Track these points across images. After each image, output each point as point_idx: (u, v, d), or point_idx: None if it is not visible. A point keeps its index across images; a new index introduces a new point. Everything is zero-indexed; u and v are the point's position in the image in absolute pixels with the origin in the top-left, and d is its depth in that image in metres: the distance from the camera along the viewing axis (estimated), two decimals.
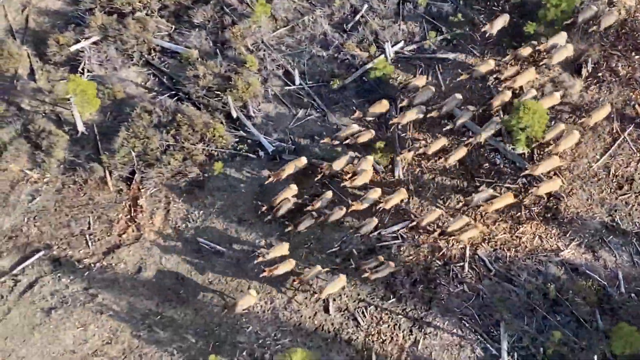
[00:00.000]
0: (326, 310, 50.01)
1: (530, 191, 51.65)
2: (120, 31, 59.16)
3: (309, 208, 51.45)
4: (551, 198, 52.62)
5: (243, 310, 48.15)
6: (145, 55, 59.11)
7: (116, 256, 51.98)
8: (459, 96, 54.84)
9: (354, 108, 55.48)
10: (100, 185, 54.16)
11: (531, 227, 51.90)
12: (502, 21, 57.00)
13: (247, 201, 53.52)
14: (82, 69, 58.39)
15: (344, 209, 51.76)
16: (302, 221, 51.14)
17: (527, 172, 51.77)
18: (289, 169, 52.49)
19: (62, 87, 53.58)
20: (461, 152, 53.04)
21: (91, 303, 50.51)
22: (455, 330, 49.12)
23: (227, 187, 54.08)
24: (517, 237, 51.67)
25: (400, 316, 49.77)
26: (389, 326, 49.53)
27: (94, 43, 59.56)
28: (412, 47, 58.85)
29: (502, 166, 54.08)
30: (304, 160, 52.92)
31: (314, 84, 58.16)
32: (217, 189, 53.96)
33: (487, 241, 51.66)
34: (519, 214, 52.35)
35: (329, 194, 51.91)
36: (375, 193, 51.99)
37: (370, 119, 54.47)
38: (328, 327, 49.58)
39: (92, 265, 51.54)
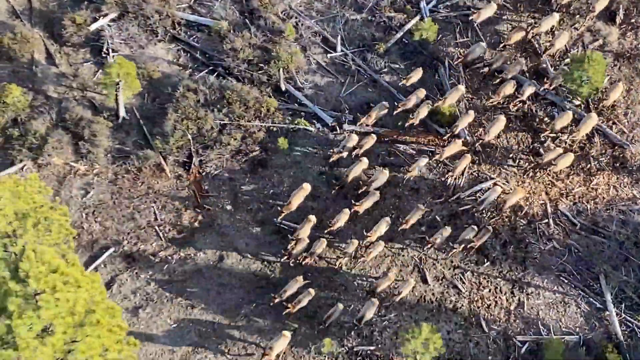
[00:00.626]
0: (424, 280, 48.60)
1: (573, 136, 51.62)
2: (141, 6, 55.21)
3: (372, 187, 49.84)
4: (616, 147, 52.74)
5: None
6: (171, 30, 55.35)
7: (193, 246, 48.74)
8: (483, 44, 54.17)
9: (402, 77, 53.43)
10: (157, 173, 50.69)
11: (604, 178, 52.06)
12: None
13: (315, 176, 51.25)
14: (107, 49, 53.99)
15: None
16: (368, 199, 49.52)
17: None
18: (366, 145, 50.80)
19: (109, 70, 49.35)
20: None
21: (179, 298, 47.45)
22: (556, 288, 48.85)
23: (291, 164, 51.75)
24: (592, 188, 51.69)
25: (498, 279, 49.07)
26: (490, 290, 48.77)
27: (113, 20, 55.23)
28: (447, 4, 57.37)
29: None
30: (374, 137, 51.13)
31: (355, 49, 56.10)
32: (281, 167, 51.56)
33: (565, 196, 51.36)
34: (589, 165, 52.28)
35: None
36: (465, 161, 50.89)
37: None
38: (430, 298, 48.27)
39: (170, 257, 48.35)
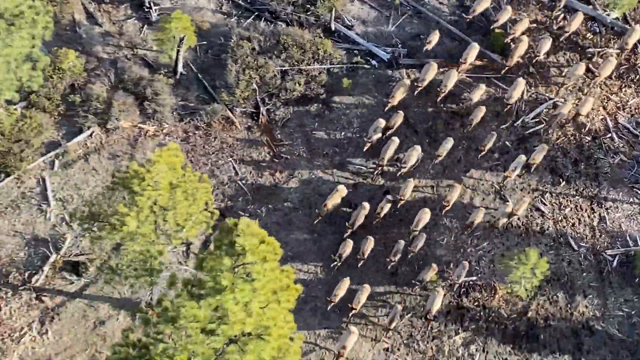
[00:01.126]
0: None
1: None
2: None
3: None
4: None
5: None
6: None
7: (279, 197, 48.55)
8: None
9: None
10: (227, 126, 50.02)
11: None
12: None
13: (380, 113, 51.39)
14: (149, 4, 52.44)
15: (483, 108, 50.93)
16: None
17: None
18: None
19: (167, 25, 48.07)
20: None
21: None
22: (632, 200, 50.49)
23: (356, 104, 51.69)
24: None
25: (576, 197, 50.45)
26: (571, 209, 50.10)
27: None
28: None
29: (602, 33, 54.77)
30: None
31: None
32: (347, 107, 51.40)
33: (622, 108, 52.81)
34: (638, 76, 53.75)
35: None
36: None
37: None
38: (517, 223, 49.33)
39: (259, 211, 47.86)
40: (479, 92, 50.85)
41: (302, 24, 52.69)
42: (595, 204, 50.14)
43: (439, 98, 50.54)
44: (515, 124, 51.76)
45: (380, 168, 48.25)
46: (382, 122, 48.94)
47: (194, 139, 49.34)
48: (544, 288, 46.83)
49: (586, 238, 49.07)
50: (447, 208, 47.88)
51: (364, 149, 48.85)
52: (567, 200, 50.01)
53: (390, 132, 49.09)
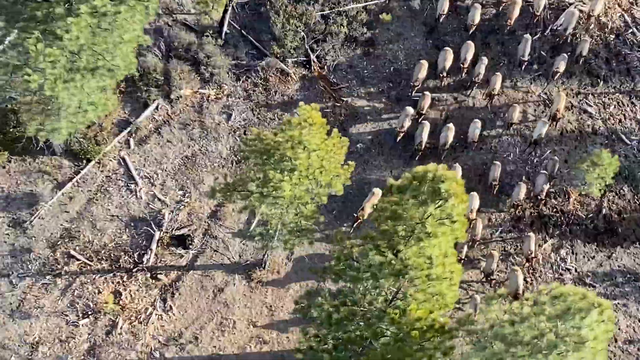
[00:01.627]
0: (554, 120, 51.96)
1: None
2: None
3: None
4: None
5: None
6: None
7: (349, 139, 49.71)
8: None
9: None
10: (282, 79, 50.81)
11: None
12: None
13: (422, 44, 53.04)
14: None
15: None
16: None
17: None
18: None
19: None
20: None
21: None
22: None
23: (397, 37, 53.08)
24: None
25: (616, 94, 53.33)
26: (614, 107, 53.02)
27: None
28: None
29: None
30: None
31: None
32: (389, 42, 52.86)
33: (635, 3, 55.78)
34: None
35: None
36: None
37: None
38: (571, 128, 52.07)
39: None
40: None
41: None
42: (634, 98, 52.86)
43: (470, 31, 52.17)
44: (545, 34, 53.63)
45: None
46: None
47: (255, 96, 49.80)
48: (610, 185, 49.21)
49: (635, 131, 51.78)
50: (513, 126, 49.81)
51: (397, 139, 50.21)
52: (608, 99, 52.64)
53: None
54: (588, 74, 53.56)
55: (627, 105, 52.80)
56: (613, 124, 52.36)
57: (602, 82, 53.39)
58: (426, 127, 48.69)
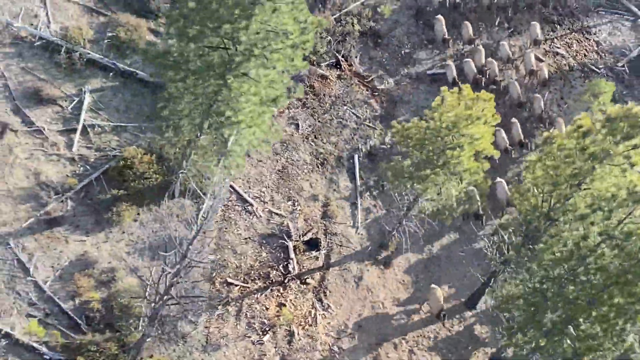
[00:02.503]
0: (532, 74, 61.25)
1: None
2: None
3: None
4: None
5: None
6: None
7: (397, 116, 56.38)
8: None
9: None
10: (323, 82, 56.14)
11: None
12: None
13: (417, 25, 60.25)
14: None
15: None
16: None
17: None
18: None
19: None
20: None
21: None
22: (604, 21, 64.32)
23: (395, 25, 59.92)
24: None
25: (573, 34, 63.28)
26: (576, 44, 62.96)
27: None
28: None
29: None
30: None
31: None
32: (389, 30, 59.59)
33: None
34: None
35: None
36: None
37: None
38: (554, 69, 61.41)
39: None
40: None
41: None
42: (586, 33, 62.73)
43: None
44: None
45: None
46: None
47: (309, 103, 54.61)
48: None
49: (598, 60, 61.69)
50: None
51: None
52: (568, 39, 62.26)
53: None
54: (546, 22, 62.18)
55: (584, 41, 62.13)
56: (582, 59, 61.43)
57: (558, 26, 62.18)
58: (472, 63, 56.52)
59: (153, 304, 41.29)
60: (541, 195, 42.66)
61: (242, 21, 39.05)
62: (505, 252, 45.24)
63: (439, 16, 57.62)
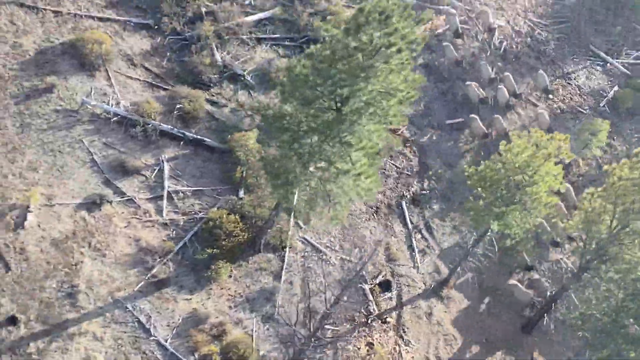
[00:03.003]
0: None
1: None
2: None
3: None
4: None
5: None
6: None
7: None
8: None
9: None
10: None
11: None
12: None
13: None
14: None
15: None
16: None
17: None
18: None
19: None
20: None
21: None
22: None
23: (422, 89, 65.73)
24: None
25: (558, 79, 70.67)
26: (562, 90, 70.30)
27: None
28: None
29: None
30: None
31: None
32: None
33: (526, 10, 73.37)
34: None
35: None
36: None
37: None
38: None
39: None
40: None
41: None
42: (569, 79, 70.01)
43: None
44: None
45: None
46: None
47: None
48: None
49: (583, 102, 68.94)
50: None
51: None
52: (557, 85, 69.27)
53: None
54: (531, 70, 69.18)
55: (567, 86, 69.37)
56: (569, 102, 68.57)
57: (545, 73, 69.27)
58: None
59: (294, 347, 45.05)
60: (607, 220, 48.73)
61: (359, 84, 43.48)
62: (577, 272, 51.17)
63: (472, 83, 63.05)
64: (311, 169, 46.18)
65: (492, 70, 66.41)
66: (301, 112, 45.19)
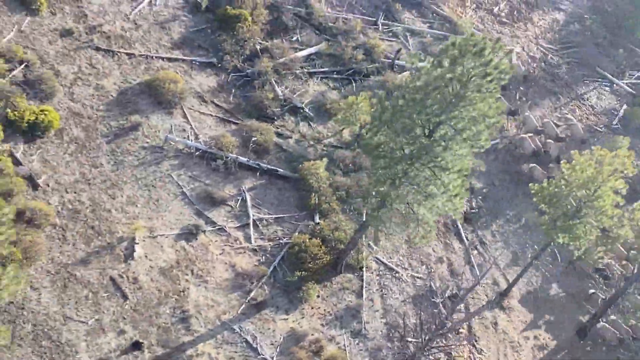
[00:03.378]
0: None
1: None
2: None
3: None
4: None
5: None
6: None
7: None
8: None
9: None
10: None
11: None
12: None
13: None
14: None
15: None
16: None
17: None
18: None
19: None
20: None
21: None
22: None
23: None
24: None
25: (573, 101, 76.09)
26: (577, 111, 75.74)
27: None
28: None
29: None
30: None
31: None
32: None
33: (537, 37, 78.80)
34: None
35: None
36: None
37: None
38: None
39: None
40: None
41: None
42: (583, 100, 75.32)
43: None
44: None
45: None
46: None
47: None
48: None
49: (598, 120, 74.25)
50: None
51: None
52: (570, 107, 74.52)
53: None
54: (549, 93, 74.33)
55: (582, 106, 74.64)
56: (585, 121, 73.82)
57: (560, 96, 74.41)
58: None
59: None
60: None
61: (453, 111, 47.73)
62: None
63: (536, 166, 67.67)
64: (402, 192, 49.99)
65: (517, 95, 71.09)
66: (393, 140, 49.06)
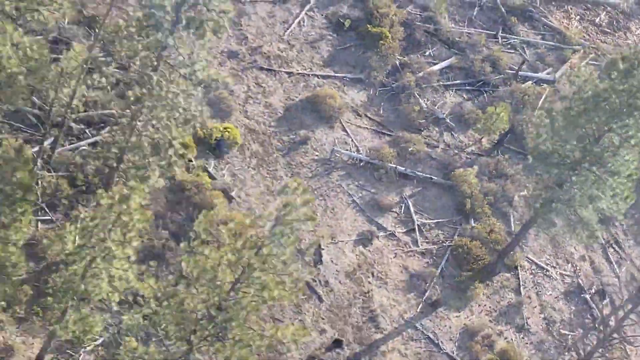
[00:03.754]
0: None
1: None
2: None
3: None
4: None
5: None
6: None
7: None
8: None
9: None
10: None
11: None
12: None
13: None
14: None
15: None
16: None
17: None
18: None
19: None
20: None
21: None
22: None
23: None
24: None
25: None
26: None
27: None
28: None
29: None
30: None
31: None
32: None
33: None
34: None
35: None
36: None
37: None
38: None
39: None
40: None
41: None
42: None
43: None
44: None
45: None
46: None
47: None
48: None
49: None
50: None
51: None
52: None
53: None
54: None
55: None
56: None
57: None
58: None
59: None
60: None
61: (624, 120, 51.77)
62: None
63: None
64: (568, 195, 54.07)
65: None
66: (562, 147, 53.16)
